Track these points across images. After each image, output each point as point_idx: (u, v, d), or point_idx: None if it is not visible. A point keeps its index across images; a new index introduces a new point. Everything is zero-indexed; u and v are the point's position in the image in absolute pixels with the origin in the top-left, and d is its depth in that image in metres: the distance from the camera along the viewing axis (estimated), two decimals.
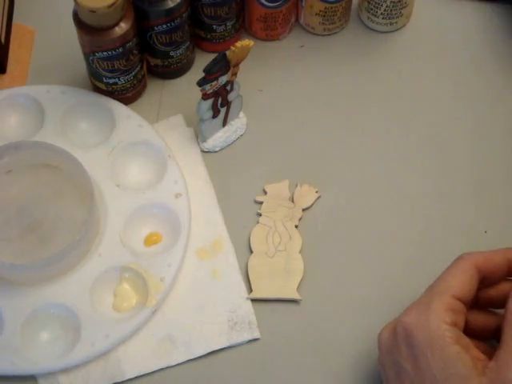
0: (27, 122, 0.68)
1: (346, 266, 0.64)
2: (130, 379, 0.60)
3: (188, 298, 0.62)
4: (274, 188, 0.66)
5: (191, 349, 0.60)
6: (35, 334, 0.60)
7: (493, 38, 0.74)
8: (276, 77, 0.72)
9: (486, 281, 0.55)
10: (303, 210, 0.65)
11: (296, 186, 0.66)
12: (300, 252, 0.64)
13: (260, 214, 0.65)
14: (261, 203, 0.66)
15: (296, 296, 0.62)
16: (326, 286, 0.63)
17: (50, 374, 0.59)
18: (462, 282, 0.53)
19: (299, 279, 0.63)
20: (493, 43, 0.74)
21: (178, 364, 0.60)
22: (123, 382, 0.60)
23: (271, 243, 0.64)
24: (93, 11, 0.61)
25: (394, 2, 0.71)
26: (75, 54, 0.68)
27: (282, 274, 0.63)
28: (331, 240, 0.65)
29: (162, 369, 0.60)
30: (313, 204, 0.66)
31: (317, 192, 0.66)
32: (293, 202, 0.66)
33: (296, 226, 0.65)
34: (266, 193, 0.66)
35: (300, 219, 0.65)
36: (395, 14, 0.72)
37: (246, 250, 0.64)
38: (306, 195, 0.66)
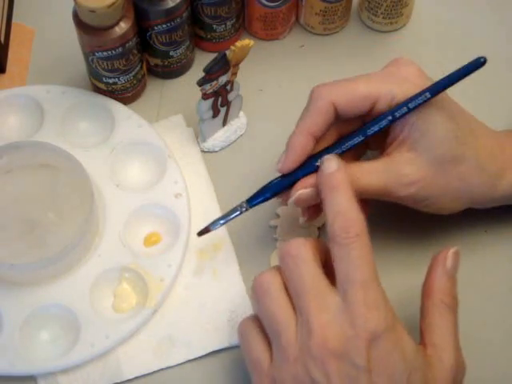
0: (27, 122, 0.68)
1: None
2: (130, 380, 0.60)
3: (188, 298, 0.62)
4: (286, 210, 0.65)
5: (191, 349, 0.60)
6: (35, 334, 0.60)
7: (494, 38, 0.74)
8: (276, 77, 0.72)
9: (344, 116, 0.58)
10: (318, 228, 0.64)
11: None
12: None
13: (276, 239, 0.64)
14: (275, 227, 0.65)
15: None
16: None
17: (50, 374, 0.59)
18: (317, 122, 0.57)
19: None
20: (493, 43, 0.74)
21: (178, 364, 0.60)
22: (123, 382, 0.60)
23: None
24: (92, 11, 0.61)
25: (394, 2, 0.71)
26: (75, 54, 0.68)
27: None
28: None
29: (161, 369, 0.60)
30: None
31: None
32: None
33: None
34: (278, 216, 0.65)
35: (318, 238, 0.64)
36: (395, 13, 0.72)
37: (246, 250, 0.64)
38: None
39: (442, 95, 0.57)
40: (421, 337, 0.54)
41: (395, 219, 0.65)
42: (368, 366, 0.49)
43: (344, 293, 0.51)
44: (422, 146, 0.56)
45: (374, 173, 0.57)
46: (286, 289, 0.53)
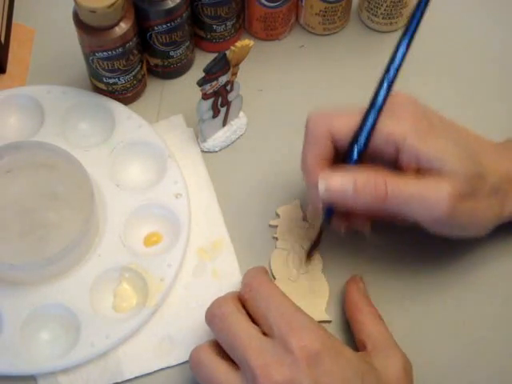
0: (27, 122, 0.68)
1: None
2: (130, 379, 0.60)
3: (188, 298, 0.62)
4: (286, 210, 0.65)
5: (191, 349, 0.60)
6: (35, 334, 0.60)
7: (494, 38, 0.74)
8: (276, 77, 0.72)
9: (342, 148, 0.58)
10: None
11: (308, 205, 0.65)
12: (322, 272, 0.63)
13: (276, 238, 0.64)
14: (275, 227, 0.65)
15: (325, 317, 0.61)
16: None
17: (50, 374, 0.59)
18: (319, 153, 0.57)
19: (326, 300, 0.62)
20: (493, 43, 0.74)
21: (178, 364, 0.60)
22: (123, 382, 0.60)
23: (292, 267, 0.63)
24: (93, 11, 0.61)
25: (394, 2, 0.71)
26: (75, 54, 0.68)
27: (307, 296, 0.61)
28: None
29: (162, 369, 0.60)
30: None
31: None
32: (307, 221, 0.65)
33: None
34: (278, 216, 0.65)
35: None
36: (395, 13, 0.72)
37: (246, 250, 0.64)
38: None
39: (441, 122, 0.57)
40: (362, 348, 0.56)
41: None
42: (318, 382, 0.50)
43: (270, 330, 0.52)
44: (447, 171, 0.55)
45: (407, 189, 0.55)
46: (223, 354, 0.54)
